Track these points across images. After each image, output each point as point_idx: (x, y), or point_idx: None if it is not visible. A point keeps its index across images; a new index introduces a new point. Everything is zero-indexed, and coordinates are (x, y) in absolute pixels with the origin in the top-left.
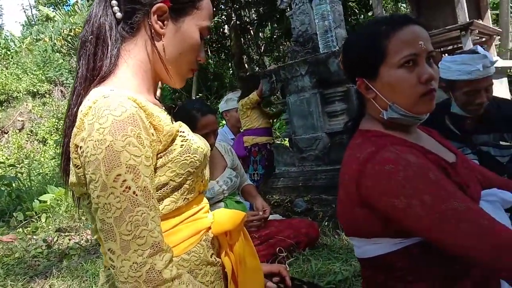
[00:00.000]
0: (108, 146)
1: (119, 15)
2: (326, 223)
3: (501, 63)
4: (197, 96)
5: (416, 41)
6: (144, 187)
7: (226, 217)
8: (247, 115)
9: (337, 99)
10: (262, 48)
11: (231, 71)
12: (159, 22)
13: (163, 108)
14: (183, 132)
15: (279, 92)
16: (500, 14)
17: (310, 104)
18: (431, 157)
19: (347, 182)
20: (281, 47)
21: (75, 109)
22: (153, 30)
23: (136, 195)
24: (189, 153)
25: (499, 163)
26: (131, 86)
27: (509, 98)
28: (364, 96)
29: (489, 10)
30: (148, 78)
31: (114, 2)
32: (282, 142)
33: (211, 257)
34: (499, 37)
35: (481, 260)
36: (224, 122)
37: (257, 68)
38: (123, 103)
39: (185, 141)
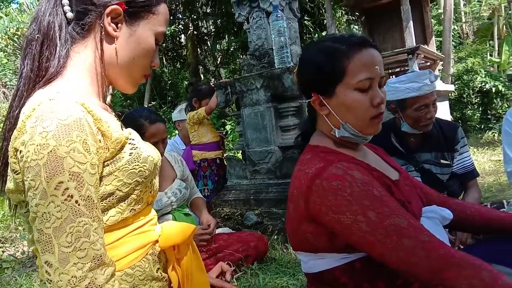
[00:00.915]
0: (51, 151)
1: (70, 15)
2: (275, 236)
3: (443, 87)
4: (150, 105)
5: (373, 65)
6: (88, 196)
7: (175, 230)
8: (195, 129)
9: (290, 113)
10: (219, 59)
11: (186, 81)
12: (112, 24)
13: (113, 113)
14: (133, 139)
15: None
16: (443, 41)
17: (264, 117)
18: (376, 174)
19: (295, 197)
20: (237, 60)
21: (17, 111)
22: (105, 33)
23: (79, 204)
24: (138, 161)
25: (439, 181)
26: (79, 89)
27: (450, 119)
28: (316, 111)
29: (433, 37)
30: (98, 81)
31: (65, 1)
32: (235, 155)
33: (157, 272)
34: (442, 62)
35: (421, 275)
36: (176, 131)
37: (213, 79)
38: (70, 107)
39: (135, 149)
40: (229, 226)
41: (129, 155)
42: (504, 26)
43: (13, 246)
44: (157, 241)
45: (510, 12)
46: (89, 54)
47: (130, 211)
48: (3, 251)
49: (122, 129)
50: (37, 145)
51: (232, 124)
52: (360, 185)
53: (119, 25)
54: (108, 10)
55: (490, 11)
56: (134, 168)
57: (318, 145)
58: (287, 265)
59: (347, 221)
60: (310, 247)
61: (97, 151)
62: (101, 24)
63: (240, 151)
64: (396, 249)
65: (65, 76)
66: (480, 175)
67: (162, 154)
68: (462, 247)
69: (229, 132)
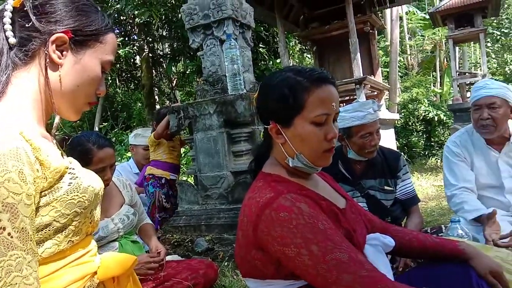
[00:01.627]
0: None
1: (12, 40)
2: (226, 263)
3: (388, 115)
4: (101, 126)
5: (330, 101)
6: (22, 228)
7: (115, 261)
8: (152, 149)
9: (243, 139)
10: (174, 82)
11: (140, 103)
12: (57, 52)
13: (54, 141)
14: (73, 169)
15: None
16: (390, 72)
17: (217, 142)
18: (325, 204)
19: (245, 224)
20: (193, 82)
21: None
22: (49, 60)
23: (12, 237)
24: (77, 192)
25: (384, 206)
26: (19, 116)
27: (395, 147)
28: (272, 139)
29: (380, 68)
30: (39, 108)
31: (7, 26)
32: (187, 180)
33: None
34: (387, 92)
35: None
36: (128, 154)
37: (168, 102)
38: (7, 135)
39: (74, 179)
40: (178, 253)
41: (68, 185)
42: (445, 59)
43: None
44: (95, 273)
45: (449, 46)
46: (33, 80)
47: (68, 243)
48: None
49: (63, 157)
50: None
51: (187, 148)
52: (306, 217)
53: (64, 52)
54: (53, 37)
55: (432, 45)
56: (73, 199)
57: (271, 173)
58: None
59: (291, 253)
60: (258, 274)
61: (34, 181)
62: (46, 51)
63: (193, 176)
64: (335, 283)
65: (4, 103)
66: (423, 200)
67: (109, 180)
68: (406, 269)
69: (182, 156)
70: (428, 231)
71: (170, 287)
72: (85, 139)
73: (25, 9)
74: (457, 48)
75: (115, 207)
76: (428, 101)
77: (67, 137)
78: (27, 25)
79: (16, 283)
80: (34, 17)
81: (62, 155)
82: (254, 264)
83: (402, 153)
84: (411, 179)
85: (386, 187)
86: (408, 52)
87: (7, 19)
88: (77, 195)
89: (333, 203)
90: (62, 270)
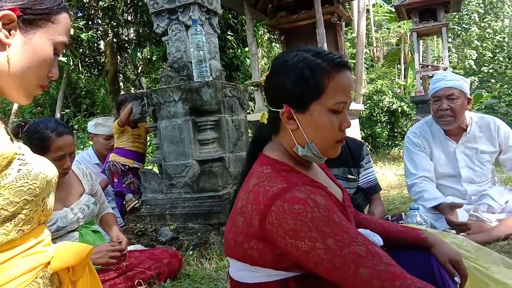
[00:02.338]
0: None
1: None
2: (191, 252)
3: (354, 106)
4: (63, 113)
5: (349, 89)
6: None
7: (69, 251)
8: (117, 137)
9: (209, 127)
10: (140, 68)
11: (104, 89)
12: (4, 30)
13: (2, 125)
14: (23, 154)
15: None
16: (356, 63)
17: (182, 130)
18: (333, 198)
19: (249, 212)
20: (160, 69)
21: None
22: None
23: None
24: (27, 178)
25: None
26: None
27: (360, 137)
28: (279, 124)
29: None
30: None
31: None
32: (151, 169)
33: None
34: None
35: None
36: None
37: (133, 89)
38: None
39: (24, 165)
40: (142, 242)
41: (17, 172)
42: (410, 52)
43: None
44: (49, 263)
45: (413, 39)
46: None
47: (18, 232)
48: None
49: (13, 142)
50: None
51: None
52: (322, 210)
53: (12, 31)
54: None
55: (398, 38)
56: (22, 186)
57: (277, 159)
58: (201, 281)
59: (304, 247)
60: (248, 260)
61: None
62: None
63: (157, 165)
64: (352, 277)
65: None
66: (385, 189)
67: (69, 168)
68: None
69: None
70: (389, 218)
71: (132, 277)
72: (43, 126)
73: None
74: (421, 41)
75: (74, 196)
76: (392, 92)
77: (23, 124)
78: None
79: None
80: None
81: (11, 140)
82: (249, 253)
83: (366, 143)
84: (373, 168)
85: (349, 176)
86: (374, 45)
87: None
88: (27, 182)
89: (337, 199)
90: (12, 261)
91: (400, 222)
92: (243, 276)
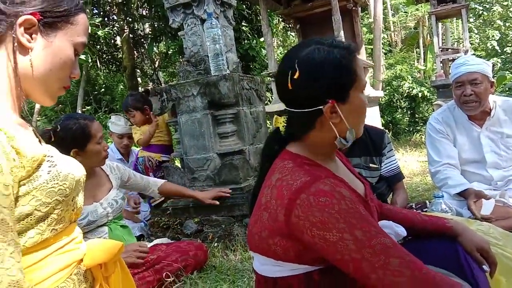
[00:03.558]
0: None
1: None
2: (215, 244)
3: (373, 93)
4: (84, 110)
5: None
6: (1, 219)
7: (100, 248)
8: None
9: (228, 120)
10: (157, 63)
11: (122, 85)
12: (26, 35)
13: (30, 128)
14: (52, 156)
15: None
16: (374, 49)
17: (202, 124)
18: (354, 193)
19: (274, 207)
20: (176, 63)
21: None
22: (18, 44)
23: None
24: (57, 180)
25: (369, 184)
26: None
27: (380, 124)
28: (314, 122)
29: (364, 46)
30: (11, 95)
31: None
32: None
33: None
34: (371, 69)
35: None
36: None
37: (151, 83)
38: None
39: (53, 167)
40: (167, 236)
41: (48, 173)
42: (428, 35)
43: None
44: (82, 260)
45: (432, 22)
46: (1, 66)
47: (51, 231)
48: None
49: (41, 144)
50: None
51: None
52: (348, 202)
53: (33, 35)
54: (20, 20)
55: (415, 21)
56: (53, 187)
57: (299, 154)
58: (227, 272)
59: (332, 238)
60: (272, 254)
61: (11, 171)
62: (13, 35)
63: (179, 159)
64: (383, 268)
65: None
66: (408, 176)
67: (107, 150)
68: None
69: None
70: (413, 206)
71: (160, 269)
72: (74, 118)
73: None
74: (439, 24)
75: (103, 191)
76: (412, 77)
77: (51, 128)
78: None
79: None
80: None
81: (40, 142)
82: (273, 249)
83: (387, 130)
84: (396, 156)
85: (371, 165)
86: (392, 29)
87: None
88: (57, 183)
89: (359, 193)
90: (47, 259)
91: (424, 210)
92: (267, 270)
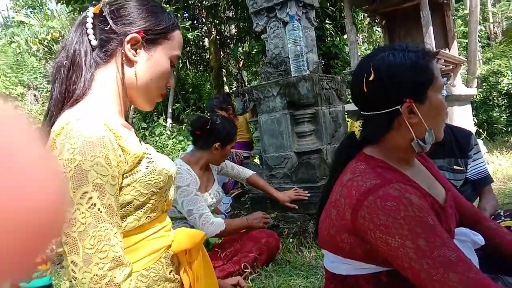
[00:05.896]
0: (77, 165)
1: (94, 42)
2: (290, 240)
3: (465, 91)
4: (174, 107)
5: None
6: (109, 204)
7: (186, 236)
8: None
9: (306, 120)
10: (241, 62)
11: (209, 84)
12: (132, 50)
13: (132, 130)
14: (150, 154)
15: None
16: (469, 43)
17: (281, 124)
18: (429, 200)
19: (342, 205)
20: (260, 62)
21: (48, 129)
22: (125, 58)
23: (101, 212)
24: (154, 174)
25: (453, 186)
26: (103, 109)
27: (472, 124)
28: (392, 124)
29: (456, 40)
30: (119, 101)
31: (90, 31)
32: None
33: (169, 274)
34: (464, 65)
35: None
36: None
37: (235, 83)
38: (94, 126)
39: (151, 163)
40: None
41: (146, 168)
42: None
43: None
44: (170, 246)
45: None
46: (112, 77)
47: (146, 218)
48: None
49: (141, 144)
50: (65, 160)
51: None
52: (416, 210)
53: (138, 50)
54: (128, 38)
55: None
56: (150, 180)
57: (373, 156)
58: (300, 267)
59: (394, 243)
60: (341, 252)
61: (118, 165)
62: (122, 51)
63: (258, 156)
64: (440, 281)
65: (90, 97)
66: (501, 180)
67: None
68: None
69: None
70: (501, 214)
71: (238, 261)
72: (231, 122)
73: (103, 14)
74: None
75: (211, 184)
76: None
77: (209, 118)
78: (105, 28)
79: (106, 250)
80: (111, 21)
81: (140, 141)
82: (341, 246)
83: (481, 130)
84: (484, 159)
85: (455, 167)
86: (491, 20)
87: (89, 24)
88: (153, 177)
89: (436, 200)
90: (141, 242)
91: None
92: (336, 268)
